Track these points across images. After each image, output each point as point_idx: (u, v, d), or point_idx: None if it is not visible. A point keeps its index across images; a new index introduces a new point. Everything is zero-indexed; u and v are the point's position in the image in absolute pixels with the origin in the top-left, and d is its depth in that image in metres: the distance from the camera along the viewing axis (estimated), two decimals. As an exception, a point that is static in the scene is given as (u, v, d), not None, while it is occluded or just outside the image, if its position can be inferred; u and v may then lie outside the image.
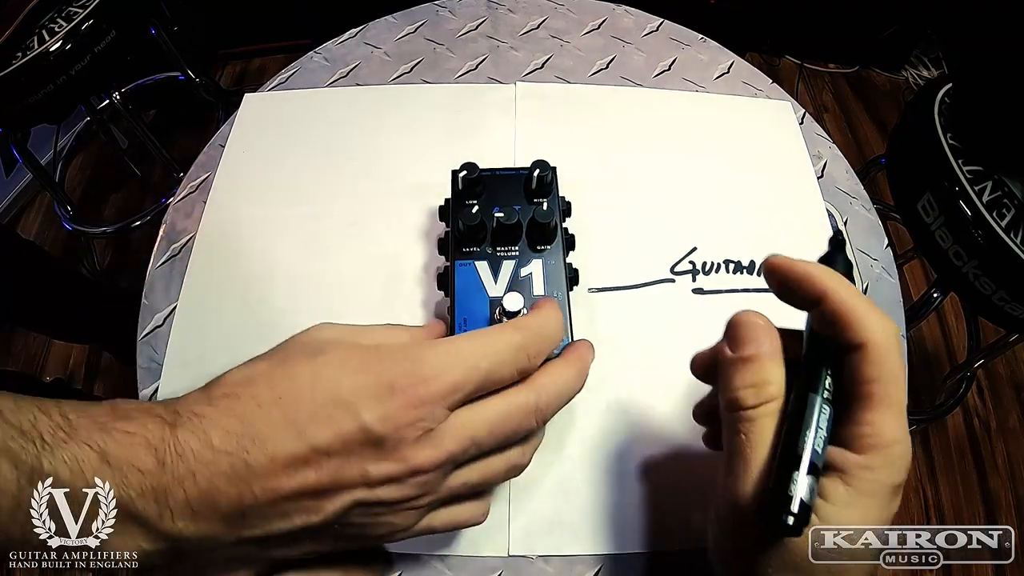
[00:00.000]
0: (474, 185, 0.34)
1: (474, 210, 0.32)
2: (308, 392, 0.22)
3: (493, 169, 0.35)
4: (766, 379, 0.22)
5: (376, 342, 0.25)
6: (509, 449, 0.26)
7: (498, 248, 0.32)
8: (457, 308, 0.30)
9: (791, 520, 0.19)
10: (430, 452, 0.22)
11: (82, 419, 0.20)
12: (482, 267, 0.32)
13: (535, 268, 0.32)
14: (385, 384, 0.22)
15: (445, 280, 0.33)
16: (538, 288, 0.31)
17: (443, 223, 0.36)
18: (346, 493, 0.22)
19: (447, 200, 0.36)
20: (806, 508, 0.19)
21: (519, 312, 0.29)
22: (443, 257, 0.35)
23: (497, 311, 0.30)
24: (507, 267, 0.32)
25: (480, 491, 0.27)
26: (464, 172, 0.34)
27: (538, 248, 0.33)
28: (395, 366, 0.22)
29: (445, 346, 0.23)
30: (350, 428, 0.21)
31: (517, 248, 0.32)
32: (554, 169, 0.34)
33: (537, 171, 0.33)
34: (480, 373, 0.23)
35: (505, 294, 0.29)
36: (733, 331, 0.24)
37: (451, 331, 0.30)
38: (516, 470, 0.27)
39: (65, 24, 0.73)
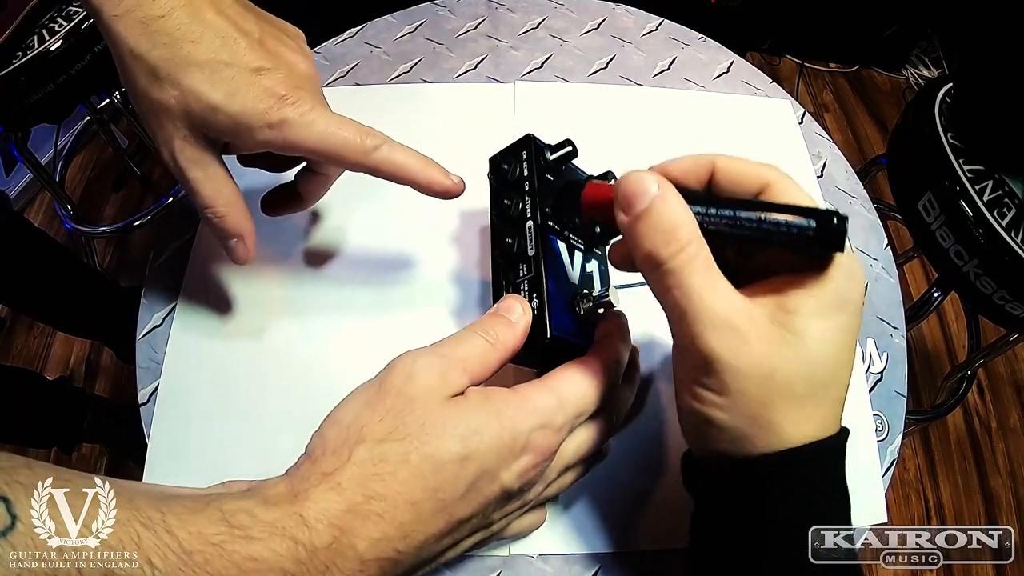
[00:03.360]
0: (563, 161, 0.33)
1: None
2: (458, 477, 0.22)
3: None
4: (673, 223, 0.21)
5: (475, 373, 0.24)
6: (580, 464, 0.28)
7: (572, 236, 0.31)
8: (551, 284, 0.28)
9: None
10: (539, 487, 0.25)
11: (194, 540, 0.18)
12: (562, 248, 0.30)
13: (594, 267, 0.31)
14: (522, 445, 0.23)
15: (515, 236, 0.29)
16: (597, 286, 0.31)
17: (493, 179, 0.34)
18: (469, 540, 0.24)
19: (529, 159, 0.32)
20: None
21: (603, 299, 0.28)
22: (496, 212, 0.32)
23: (582, 299, 0.28)
24: (577, 257, 0.30)
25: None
26: (569, 148, 0.32)
27: (595, 249, 0.32)
28: (526, 422, 0.23)
29: (561, 391, 0.24)
30: (492, 492, 0.23)
31: (582, 242, 0.31)
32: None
33: (613, 181, 0.32)
34: (584, 415, 0.25)
35: (582, 287, 0.29)
36: (620, 193, 0.22)
37: (543, 306, 0.27)
38: (581, 477, 0.29)
39: (65, 23, 0.73)
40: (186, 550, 0.18)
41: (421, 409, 0.22)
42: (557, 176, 0.33)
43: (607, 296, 0.28)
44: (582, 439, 0.26)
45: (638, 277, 0.36)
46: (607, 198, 0.23)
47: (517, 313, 0.26)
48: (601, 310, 0.28)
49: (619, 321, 0.28)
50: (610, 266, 0.32)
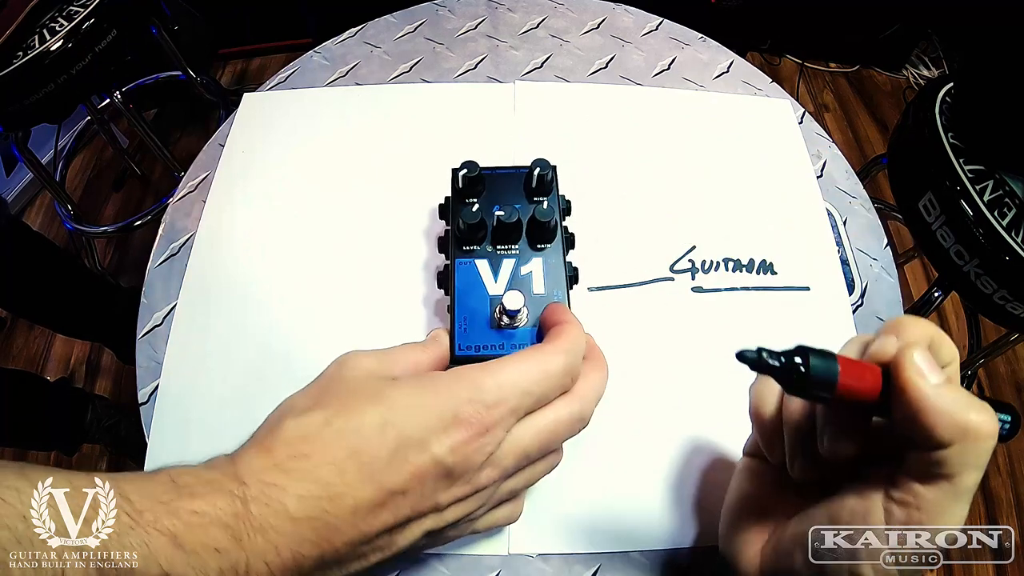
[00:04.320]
0: (475, 183, 0.34)
1: (475, 208, 0.32)
2: (379, 440, 0.22)
3: (493, 168, 0.35)
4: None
5: (407, 368, 0.26)
6: (551, 453, 0.27)
7: (498, 247, 0.32)
8: (457, 307, 0.30)
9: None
10: (491, 471, 0.24)
11: (145, 500, 0.20)
12: (482, 265, 0.32)
13: (535, 267, 0.32)
14: (451, 416, 0.23)
15: (445, 278, 0.33)
16: (538, 287, 0.31)
17: (443, 221, 0.36)
18: (418, 524, 0.23)
19: (447, 198, 0.36)
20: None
21: (519, 311, 0.29)
22: (443, 255, 0.35)
23: (497, 310, 0.30)
24: (507, 266, 0.32)
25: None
26: (464, 170, 0.34)
27: (538, 247, 0.33)
28: (456, 396, 0.23)
29: (500, 372, 0.24)
30: (423, 463, 0.22)
31: (517, 247, 0.32)
32: (554, 168, 0.34)
33: (537, 170, 0.33)
34: (533, 397, 0.24)
35: (505, 293, 0.29)
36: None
37: (452, 329, 0.30)
38: (553, 468, 0.29)
39: (66, 23, 0.73)
40: (137, 510, 0.19)
41: (349, 385, 0.24)
42: (489, 189, 0.35)
43: (518, 310, 0.29)
44: (541, 424, 0.25)
45: (614, 280, 0.36)
46: (871, 391, 0.20)
47: (443, 337, 0.30)
48: (523, 322, 0.30)
49: (552, 306, 0.29)
50: (561, 260, 0.32)
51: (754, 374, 0.21)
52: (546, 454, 0.27)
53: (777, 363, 0.20)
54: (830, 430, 0.22)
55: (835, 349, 0.22)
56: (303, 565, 0.21)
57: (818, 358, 0.20)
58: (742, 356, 0.20)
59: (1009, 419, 0.21)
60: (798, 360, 0.20)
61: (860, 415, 0.21)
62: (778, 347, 0.20)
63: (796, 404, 0.24)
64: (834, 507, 0.23)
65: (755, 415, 0.26)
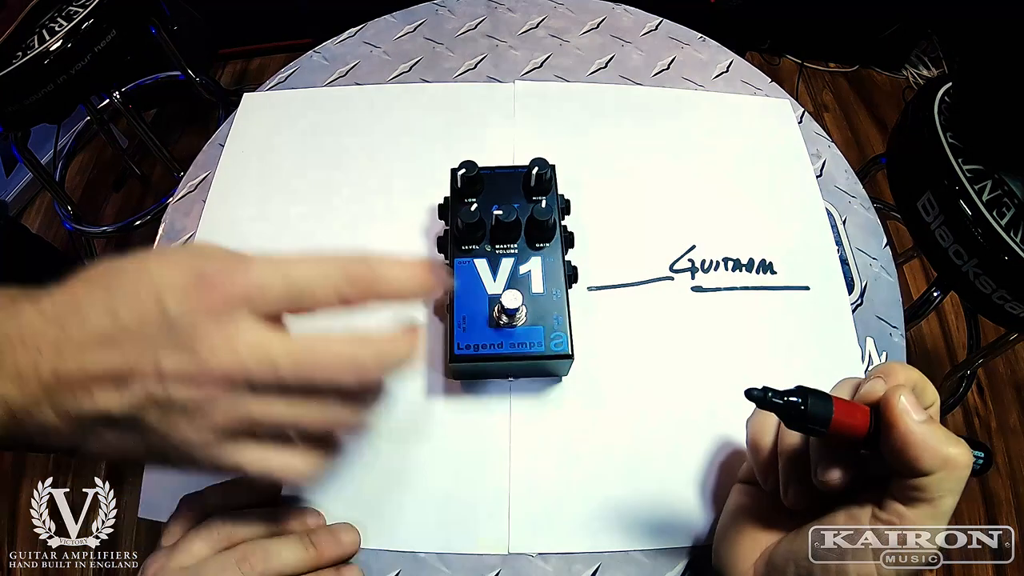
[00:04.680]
0: (473, 183, 0.34)
1: (473, 208, 0.32)
2: (131, 280, 0.22)
3: (492, 167, 0.35)
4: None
5: None
6: (330, 399, 0.24)
7: (497, 246, 0.32)
8: (456, 306, 0.30)
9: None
10: (224, 356, 0.21)
11: None
12: (481, 265, 0.32)
13: (534, 266, 0.32)
14: (196, 275, 0.22)
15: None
16: (537, 285, 0.31)
17: (442, 221, 0.36)
18: (139, 382, 0.21)
19: (446, 199, 0.36)
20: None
21: (517, 310, 0.29)
22: (442, 255, 0.35)
23: (496, 308, 0.30)
24: (506, 265, 0.32)
25: (310, 444, 0.25)
26: (463, 170, 0.34)
27: (537, 246, 0.33)
28: (212, 262, 0.23)
29: (269, 257, 0.23)
30: (149, 308, 0.22)
31: (516, 246, 0.32)
32: (553, 167, 0.34)
33: (536, 169, 0.34)
34: (293, 285, 0.23)
35: (504, 292, 0.30)
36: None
37: (451, 328, 0.30)
38: (338, 426, 0.25)
39: (65, 23, 0.73)
40: None
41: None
42: (487, 189, 0.35)
43: (516, 309, 0.29)
44: (298, 338, 0.23)
45: (613, 280, 0.36)
46: (861, 427, 0.23)
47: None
48: (521, 320, 0.30)
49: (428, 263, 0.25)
50: (560, 259, 0.32)
51: (749, 381, 0.24)
52: (311, 391, 0.23)
53: (780, 401, 0.23)
54: (823, 461, 0.24)
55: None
56: (41, 369, 0.21)
57: (815, 398, 0.23)
58: (750, 394, 0.23)
59: (983, 455, 0.23)
60: (798, 399, 0.23)
61: (850, 448, 0.24)
62: (781, 388, 0.23)
63: (792, 437, 0.26)
64: (825, 524, 0.24)
65: (753, 446, 0.28)
